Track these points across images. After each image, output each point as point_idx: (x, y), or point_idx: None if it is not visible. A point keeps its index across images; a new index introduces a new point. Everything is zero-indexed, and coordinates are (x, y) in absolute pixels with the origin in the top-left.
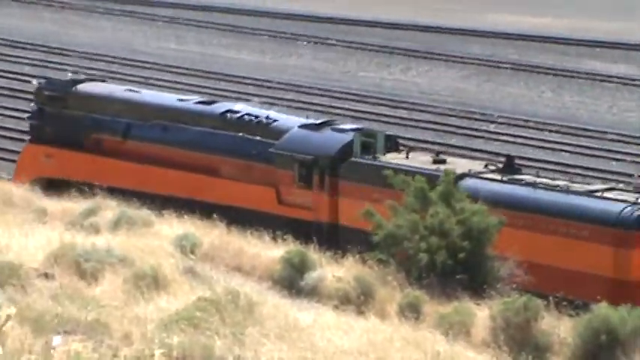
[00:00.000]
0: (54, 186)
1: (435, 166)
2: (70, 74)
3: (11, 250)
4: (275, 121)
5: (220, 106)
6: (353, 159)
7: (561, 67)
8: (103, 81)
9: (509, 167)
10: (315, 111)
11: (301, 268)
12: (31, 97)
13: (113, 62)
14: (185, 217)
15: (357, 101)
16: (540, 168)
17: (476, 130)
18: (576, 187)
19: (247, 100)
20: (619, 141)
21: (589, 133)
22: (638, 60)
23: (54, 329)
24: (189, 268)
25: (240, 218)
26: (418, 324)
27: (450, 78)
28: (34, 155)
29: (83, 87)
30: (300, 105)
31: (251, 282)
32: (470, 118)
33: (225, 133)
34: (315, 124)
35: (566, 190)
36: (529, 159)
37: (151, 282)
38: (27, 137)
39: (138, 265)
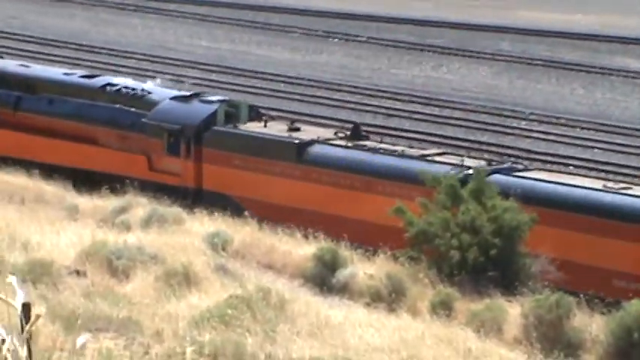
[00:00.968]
0: None
1: (288, 134)
2: None
3: (43, 248)
4: (149, 93)
5: (101, 80)
6: (215, 128)
7: (593, 63)
8: (1, 57)
9: (356, 135)
10: (346, 108)
11: (333, 265)
12: None
13: (143, 59)
14: (216, 214)
15: (389, 98)
16: (572, 165)
17: (507, 127)
18: (411, 151)
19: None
20: None
21: (621, 130)
22: None
23: (85, 327)
24: (221, 266)
25: (119, 184)
26: (450, 321)
27: (481, 75)
28: None
29: None
30: (332, 102)
31: (282, 279)
32: (501, 115)
33: (104, 104)
34: (185, 97)
35: (401, 155)
36: (561, 156)
37: (182, 279)
38: None
39: (169, 262)
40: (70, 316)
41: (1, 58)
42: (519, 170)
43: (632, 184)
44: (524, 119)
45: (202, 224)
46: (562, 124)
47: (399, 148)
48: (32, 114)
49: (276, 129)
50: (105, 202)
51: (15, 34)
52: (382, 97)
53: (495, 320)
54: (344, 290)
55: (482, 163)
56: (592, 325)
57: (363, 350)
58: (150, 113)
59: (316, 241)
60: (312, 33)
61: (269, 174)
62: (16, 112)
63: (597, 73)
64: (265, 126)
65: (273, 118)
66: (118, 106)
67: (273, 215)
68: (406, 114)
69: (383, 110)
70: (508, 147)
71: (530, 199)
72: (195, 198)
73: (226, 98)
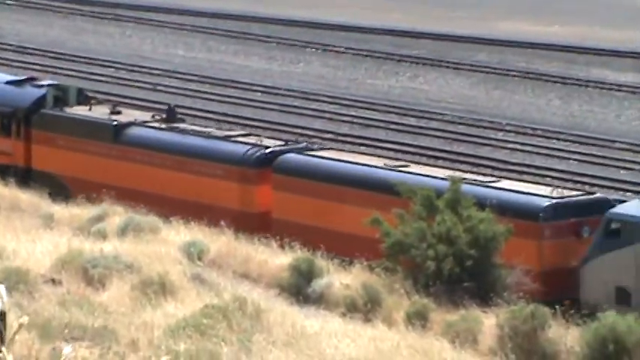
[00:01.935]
0: None
1: (109, 116)
2: None
3: (18, 256)
4: None
5: None
6: (43, 110)
7: (570, 75)
8: None
9: (172, 117)
10: (323, 118)
11: (309, 275)
12: None
13: (121, 68)
14: (192, 223)
15: (366, 109)
16: (548, 176)
17: (484, 137)
18: (217, 133)
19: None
20: (627, 150)
21: (597, 142)
22: None
23: (61, 336)
24: (197, 275)
25: None
26: (425, 332)
27: (458, 86)
28: None
29: None
30: (308, 112)
31: (258, 289)
32: (478, 126)
33: None
34: (18, 81)
35: (208, 136)
36: (537, 167)
37: (158, 288)
38: None
39: (145, 271)
40: (45, 324)
41: None
42: (313, 150)
43: (411, 162)
44: (500, 130)
45: (178, 233)
46: (538, 135)
47: (207, 130)
48: None
49: (99, 112)
50: (81, 211)
51: None
52: (359, 108)
53: (471, 331)
54: (320, 300)
55: (279, 142)
56: (567, 337)
57: None
58: None
59: (292, 251)
60: (289, 43)
61: (89, 154)
62: None
63: (574, 84)
64: (90, 109)
65: (100, 102)
66: None
67: (92, 192)
68: (383, 124)
69: (360, 120)
70: (484, 157)
71: (317, 175)
72: (24, 177)
73: (56, 82)
